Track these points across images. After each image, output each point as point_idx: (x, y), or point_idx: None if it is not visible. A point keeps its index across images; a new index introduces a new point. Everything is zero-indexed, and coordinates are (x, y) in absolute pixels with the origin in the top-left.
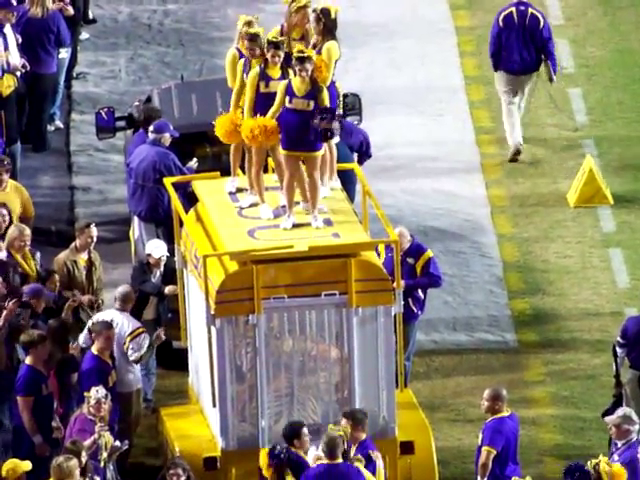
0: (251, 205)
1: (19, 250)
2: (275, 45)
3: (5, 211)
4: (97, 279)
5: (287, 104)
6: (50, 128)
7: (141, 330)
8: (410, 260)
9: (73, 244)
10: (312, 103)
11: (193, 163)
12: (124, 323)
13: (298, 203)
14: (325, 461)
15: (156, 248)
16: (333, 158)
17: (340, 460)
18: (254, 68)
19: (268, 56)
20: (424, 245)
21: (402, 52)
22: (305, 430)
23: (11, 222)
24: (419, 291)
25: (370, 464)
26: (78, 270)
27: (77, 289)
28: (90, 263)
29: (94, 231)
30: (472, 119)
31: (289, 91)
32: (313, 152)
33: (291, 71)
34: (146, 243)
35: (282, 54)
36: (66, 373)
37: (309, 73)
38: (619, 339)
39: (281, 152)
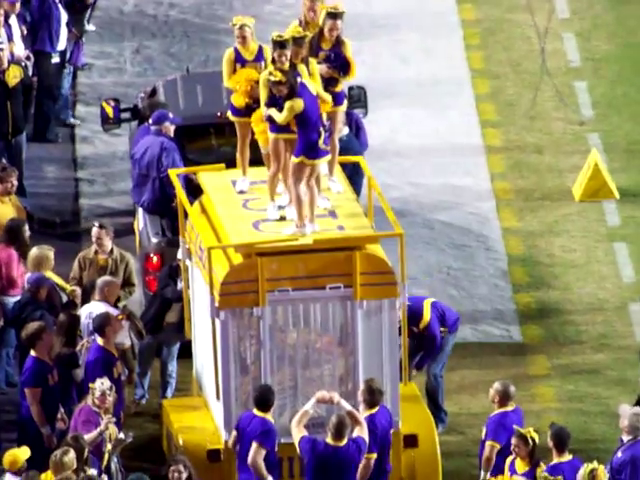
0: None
1: (50, 269)
2: (281, 45)
3: (27, 226)
4: (127, 277)
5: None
6: (71, 120)
7: (121, 317)
8: (415, 329)
9: (93, 247)
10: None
11: None
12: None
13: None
14: (331, 441)
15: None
16: (335, 155)
17: (345, 441)
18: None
19: (275, 56)
20: (420, 308)
21: (408, 45)
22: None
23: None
24: (450, 311)
25: None
26: (93, 269)
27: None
28: (106, 264)
29: (94, 231)
30: (477, 112)
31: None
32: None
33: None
34: (151, 235)
35: (289, 53)
36: (66, 368)
37: (288, 58)
38: None
39: (270, 136)
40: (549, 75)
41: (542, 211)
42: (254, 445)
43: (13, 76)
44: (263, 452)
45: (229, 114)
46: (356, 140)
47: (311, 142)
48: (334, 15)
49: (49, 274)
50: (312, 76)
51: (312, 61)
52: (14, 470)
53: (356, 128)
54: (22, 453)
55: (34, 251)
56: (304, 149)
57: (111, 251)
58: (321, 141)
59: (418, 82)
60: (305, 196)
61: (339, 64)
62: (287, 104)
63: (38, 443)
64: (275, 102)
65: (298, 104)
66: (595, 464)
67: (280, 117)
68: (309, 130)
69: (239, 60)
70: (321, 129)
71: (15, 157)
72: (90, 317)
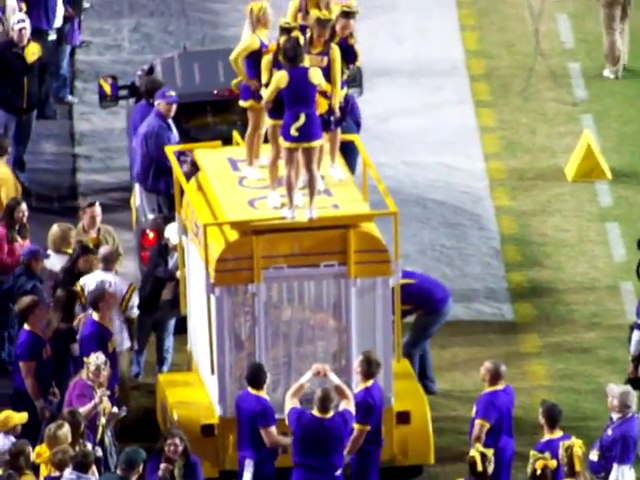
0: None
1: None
2: (288, 31)
3: (25, 206)
4: (116, 249)
5: None
6: (69, 98)
7: (134, 286)
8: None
9: (80, 224)
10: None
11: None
12: (116, 282)
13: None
14: (317, 414)
15: (174, 234)
16: (336, 140)
17: (331, 414)
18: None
19: (280, 42)
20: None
21: (403, 25)
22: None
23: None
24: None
25: None
26: None
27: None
28: (99, 241)
29: (97, 210)
30: (472, 93)
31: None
32: (312, 142)
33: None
34: (147, 211)
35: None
36: (63, 343)
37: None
38: (638, 320)
39: (282, 144)
40: (543, 56)
41: (535, 191)
42: (261, 431)
43: (32, 53)
44: (272, 428)
45: (241, 102)
46: (348, 120)
47: (286, 124)
48: (347, 14)
49: (70, 251)
50: (333, 62)
51: (334, 47)
52: (4, 430)
53: (350, 106)
54: (18, 416)
55: (55, 229)
56: (282, 129)
57: (98, 227)
58: (294, 127)
59: (413, 62)
60: (294, 180)
61: (345, 55)
62: (273, 76)
63: (31, 416)
64: None
65: (282, 77)
66: (572, 440)
67: (266, 93)
68: (287, 111)
69: (264, 46)
70: (301, 115)
71: (24, 133)
72: (102, 284)
